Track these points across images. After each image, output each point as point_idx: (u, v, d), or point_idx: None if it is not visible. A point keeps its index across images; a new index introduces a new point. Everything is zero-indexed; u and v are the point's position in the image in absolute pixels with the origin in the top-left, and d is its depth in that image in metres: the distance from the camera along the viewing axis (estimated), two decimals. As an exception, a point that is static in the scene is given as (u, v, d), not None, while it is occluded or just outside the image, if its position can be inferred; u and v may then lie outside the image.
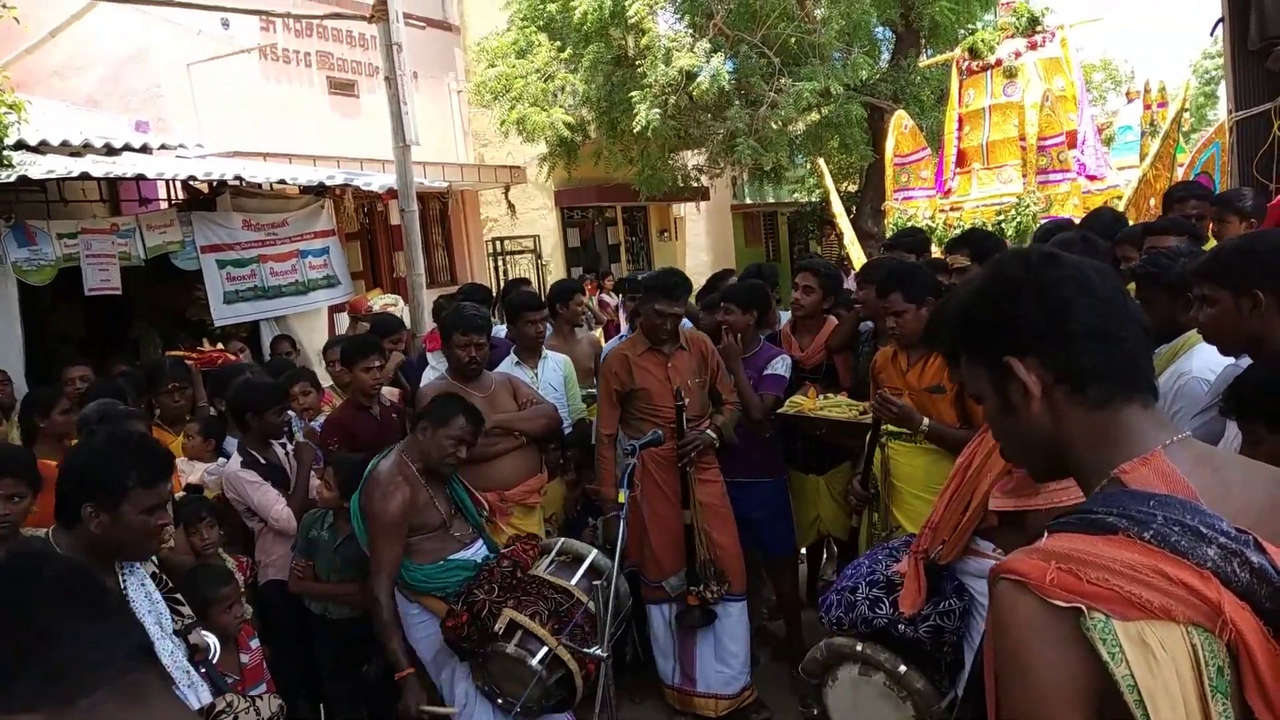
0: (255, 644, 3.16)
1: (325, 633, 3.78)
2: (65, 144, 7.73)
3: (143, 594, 2.25)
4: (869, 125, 13.69)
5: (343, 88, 12.39)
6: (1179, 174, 7.24)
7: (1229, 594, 0.99)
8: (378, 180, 9.18)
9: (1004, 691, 1.05)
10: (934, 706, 2.48)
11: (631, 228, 19.26)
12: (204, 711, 2.33)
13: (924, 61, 12.99)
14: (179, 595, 2.43)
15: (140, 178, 7.66)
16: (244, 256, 8.21)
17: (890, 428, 3.53)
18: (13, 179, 6.33)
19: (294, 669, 3.71)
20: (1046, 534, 1.10)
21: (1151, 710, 0.95)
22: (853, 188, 17.09)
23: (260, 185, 8.35)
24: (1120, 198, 7.30)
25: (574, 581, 3.20)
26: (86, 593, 0.92)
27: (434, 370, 4.81)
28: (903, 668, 2.48)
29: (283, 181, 8.40)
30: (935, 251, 5.82)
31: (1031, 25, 8.36)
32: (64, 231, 7.09)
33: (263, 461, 3.88)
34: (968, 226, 6.93)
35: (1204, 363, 2.71)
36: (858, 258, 8.07)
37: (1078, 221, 5.31)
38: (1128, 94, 11.71)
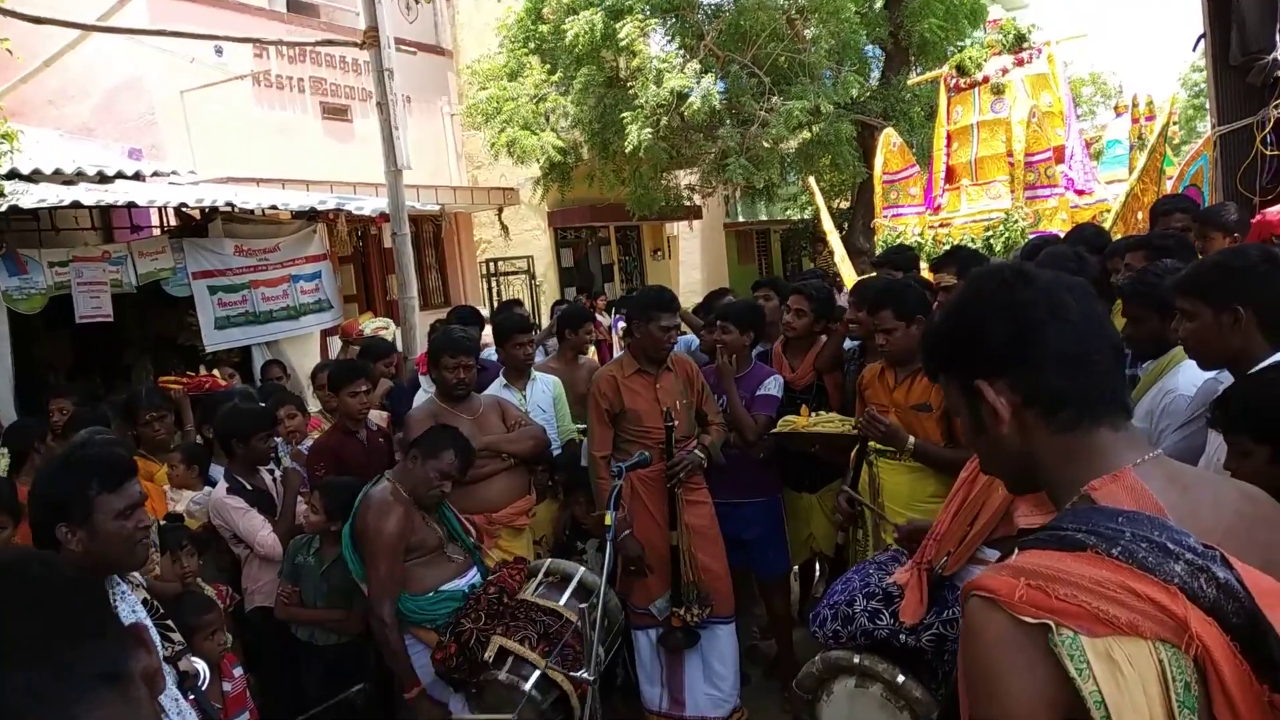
0: (238, 672, 3.15)
1: (311, 659, 3.75)
2: (58, 172, 7.76)
3: (134, 619, 2.23)
4: (860, 143, 13.78)
5: (336, 113, 12.46)
6: (1168, 186, 7.28)
7: (1195, 610, 0.99)
8: (370, 204, 9.21)
9: (973, 708, 1.05)
10: (932, 715, 2.47)
11: (625, 247, 19.33)
12: (191, 740, 2.30)
13: (913, 79, 13.09)
14: (169, 621, 2.41)
15: (132, 205, 7.69)
16: (235, 282, 8.22)
17: (876, 445, 3.53)
18: (3, 209, 6.34)
19: (280, 696, 3.68)
20: (1017, 550, 1.10)
21: None
22: (845, 205, 17.18)
23: (252, 211, 8.38)
24: (1108, 212, 7.33)
25: (562, 601, 3.18)
26: (56, 614, 0.89)
27: (426, 392, 4.81)
28: (901, 677, 2.47)
29: (274, 207, 8.43)
30: (924, 268, 5.83)
31: (1018, 42, 8.42)
32: (55, 259, 7.10)
33: (249, 487, 3.87)
34: (956, 243, 6.96)
35: (1189, 379, 2.72)
36: (848, 275, 8.08)
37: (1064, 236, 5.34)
38: (1116, 108, 11.79)
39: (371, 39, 7.26)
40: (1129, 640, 0.97)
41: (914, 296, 3.56)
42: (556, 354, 5.31)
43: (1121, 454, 1.18)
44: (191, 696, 2.34)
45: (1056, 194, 7.71)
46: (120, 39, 8.89)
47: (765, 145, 12.81)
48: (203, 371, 7.94)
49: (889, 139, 8.90)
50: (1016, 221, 7.54)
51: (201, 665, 2.50)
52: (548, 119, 13.50)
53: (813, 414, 4.20)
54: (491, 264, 15.36)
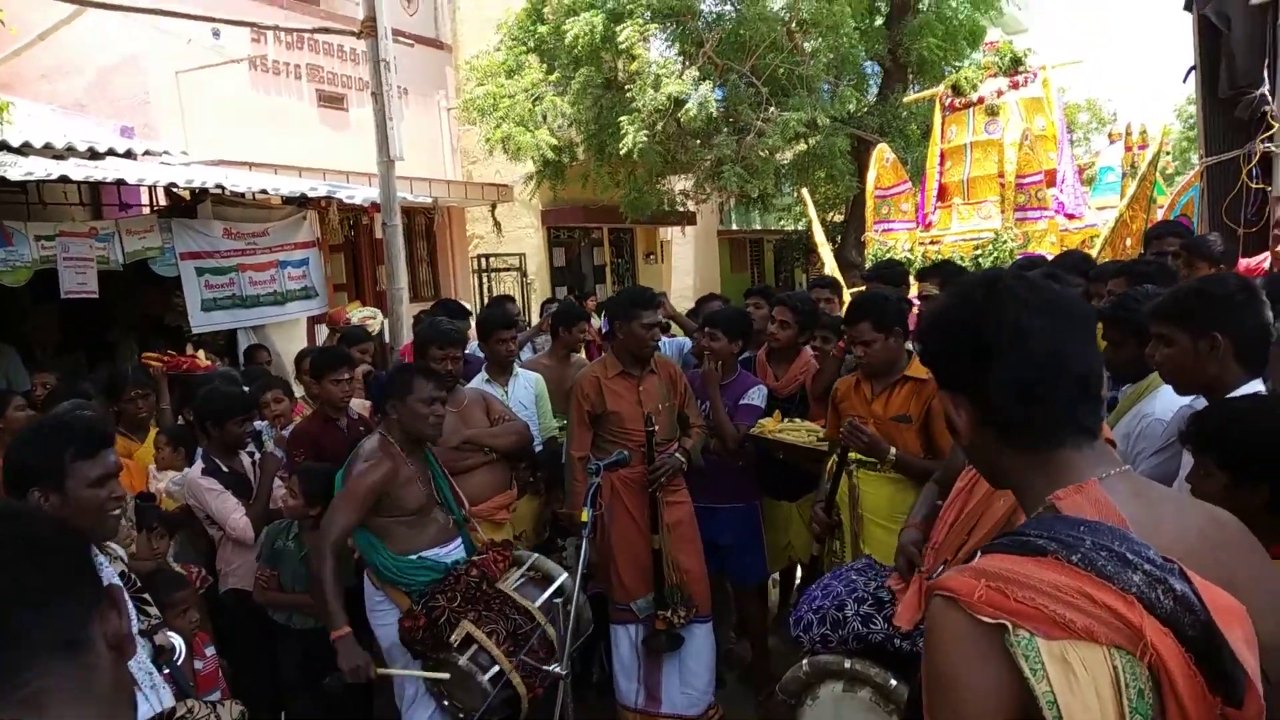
0: (210, 651, 3.14)
1: (289, 643, 3.75)
2: (48, 146, 7.71)
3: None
4: (855, 157, 13.85)
5: (332, 101, 12.42)
6: (1158, 215, 7.35)
7: (1151, 619, 1.00)
8: (361, 193, 9.18)
9: (931, 704, 1.07)
10: None
11: (618, 249, 19.34)
12: (163, 716, 2.29)
13: (909, 97, 13.17)
14: (146, 595, 2.40)
15: (120, 182, 7.65)
16: (223, 265, 8.20)
17: (857, 456, 3.55)
18: (-9, 179, 6.31)
19: (255, 679, 3.67)
20: (980, 554, 1.12)
21: None
22: (839, 218, 17.26)
23: (243, 194, 8.35)
24: (1097, 237, 7.40)
25: (538, 604, 3.19)
26: (19, 575, 0.88)
27: (410, 384, 4.82)
28: (893, 681, 2.48)
29: (265, 191, 8.40)
30: (913, 285, 5.87)
31: (1014, 65, 8.50)
32: (41, 233, 7.05)
33: (225, 470, 3.85)
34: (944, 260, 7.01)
35: (1165, 405, 2.74)
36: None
37: (1051, 259, 5.40)
38: (1110, 135, 11.90)
39: (369, 29, 7.26)
40: (1084, 645, 0.99)
41: (893, 309, 3.58)
42: (548, 351, 5.31)
43: (1087, 468, 1.20)
44: (167, 670, 2.33)
45: (1046, 217, 7.78)
46: (117, 17, 8.84)
47: (761, 155, 12.86)
48: (188, 351, 7.92)
49: (883, 154, 8.96)
50: (1006, 242, 7.61)
51: (178, 640, 2.49)
52: (544, 118, 13.51)
53: (785, 419, 4.22)
54: (483, 259, 15.34)
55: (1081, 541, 1.05)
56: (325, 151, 11.49)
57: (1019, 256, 6.93)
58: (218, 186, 7.93)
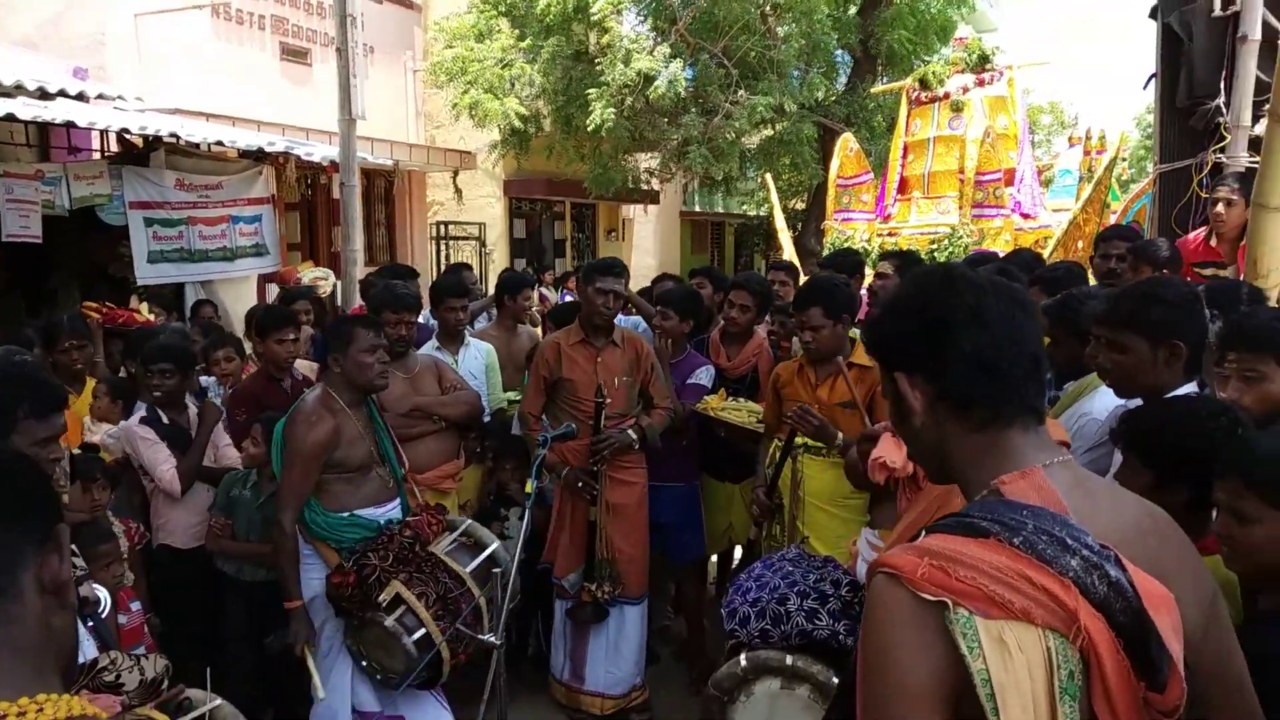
0: (136, 606, 3.10)
1: (236, 595, 3.73)
2: (-5, 83, 7.44)
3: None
4: (820, 146, 13.89)
5: (295, 55, 12.15)
6: (1111, 220, 7.49)
7: (1086, 603, 1.03)
8: (320, 151, 9.01)
9: (866, 684, 1.09)
10: None
11: (579, 224, 19.25)
12: (86, 667, 2.25)
13: (877, 88, 13.23)
14: (73, 547, 2.35)
15: (70, 125, 7.42)
16: (173, 216, 8.00)
17: (804, 440, 3.57)
18: (-68, 114, 6.07)
19: (186, 635, 3.62)
20: (924, 533, 1.14)
21: (1001, 705, 0.99)
22: (801, 205, 17.34)
23: (198, 145, 8.14)
24: (1051, 238, 7.52)
25: (469, 569, 3.18)
26: None
27: (360, 347, 4.76)
28: (834, 679, 2.44)
29: (220, 143, 8.20)
30: (868, 275, 5.92)
31: (981, 62, 8.57)
32: (-16, 174, 6.82)
33: (165, 421, 3.78)
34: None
35: (1104, 405, 2.77)
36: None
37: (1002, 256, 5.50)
38: (1070, 139, 12.10)
39: (338, -18, 7.08)
40: (1021, 625, 1.02)
41: (843, 296, 3.62)
42: (495, 321, 5.27)
43: (1031, 454, 1.23)
44: (90, 624, 2.29)
45: (1003, 215, 7.89)
46: (74, -48, 8.56)
47: (727, 137, 12.85)
48: (133, 303, 7.73)
49: (847, 143, 9.00)
50: (961, 238, 7.70)
51: (103, 593, 2.46)
52: (513, 85, 13.34)
53: (730, 398, 4.25)
54: (442, 226, 15.16)
55: (1024, 525, 1.07)
56: (285, 106, 11.24)
57: (973, 252, 7.03)
58: (172, 135, 7.72)
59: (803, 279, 5.49)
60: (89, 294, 8.00)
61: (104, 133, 8.48)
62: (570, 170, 14.79)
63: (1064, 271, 4.03)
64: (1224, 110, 5.01)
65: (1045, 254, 6.61)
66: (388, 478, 3.47)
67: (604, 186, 14.31)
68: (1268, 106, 3.71)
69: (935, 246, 7.75)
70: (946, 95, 8.44)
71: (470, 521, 3.46)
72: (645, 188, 16.50)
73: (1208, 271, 4.39)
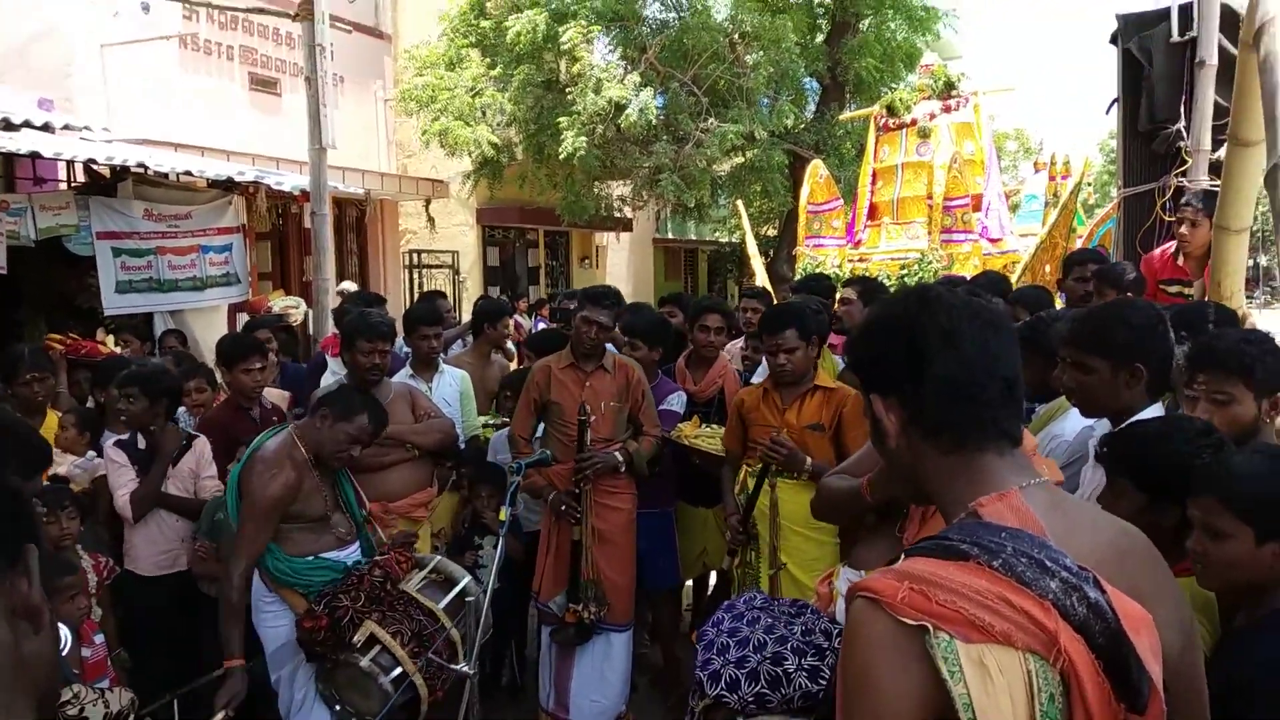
0: (100, 639, 3.04)
1: (215, 617, 3.63)
2: (-42, 113, 7.35)
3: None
4: (791, 172, 14.04)
5: (264, 85, 12.11)
6: (1077, 244, 7.61)
7: (1066, 626, 1.03)
8: (290, 180, 8.96)
9: (847, 709, 1.07)
10: None
11: (553, 252, 19.27)
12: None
13: (845, 115, 13.41)
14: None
15: (36, 155, 7.34)
16: (141, 246, 7.91)
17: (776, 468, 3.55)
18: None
19: (150, 663, 3.55)
20: (904, 557, 1.13)
21: None
22: (772, 232, 17.49)
23: (166, 175, 8.07)
24: (1018, 262, 7.62)
25: (442, 605, 3.13)
26: None
27: (334, 375, 4.73)
28: None
29: (189, 173, 8.14)
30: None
31: (947, 89, 8.69)
32: (-53, 204, 6.72)
33: (140, 447, 3.72)
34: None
35: (1074, 428, 2.81)
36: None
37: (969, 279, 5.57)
38: (1035, 164, 12.30)
39: (306, 11, 7.11)
40: (1001, 649, 1.01)
41: (813, 319, 3.64)
42: (470, 348, 5.25)
43: (1008, 476, 1.23)
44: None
45: (971, 240, 7.98)
46: (40, -18, 8.50)
47: (699, 165, 12.94)
48: (99, 335, 7.61)
49: (816, 170, 9.08)
50: (931, 263, 7.78)
51: (64, 629, 2.40)
52: (484, 113, 13.37)
53: (703, 425, 4.25)
54: (415, 255, 15.12)
55: (1003, 547, 1.07)
56: (255, 136, 11.19)
57: (942, 276, 7.10)
58: (140, 165, 7.65)
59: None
60: (56, 326, 7.88)
61: (70, 163, 8.39)
62: (543, 198, 14.82)
63: (1033, 296, 4.11)
64: (1184, 134, 5.12)
65: (1013, 278, 6.69)
66: (348, 525, 3.44)
67: (577, 214, 14.35)
68: (1227, 130, 3.79)
69: (905, 271, 7.82)
70: (913, 122, 8.54)
71: (439, 558, 3.41)
72: (618, 215, 16.57)
73: (1173, 289, 4.47)
